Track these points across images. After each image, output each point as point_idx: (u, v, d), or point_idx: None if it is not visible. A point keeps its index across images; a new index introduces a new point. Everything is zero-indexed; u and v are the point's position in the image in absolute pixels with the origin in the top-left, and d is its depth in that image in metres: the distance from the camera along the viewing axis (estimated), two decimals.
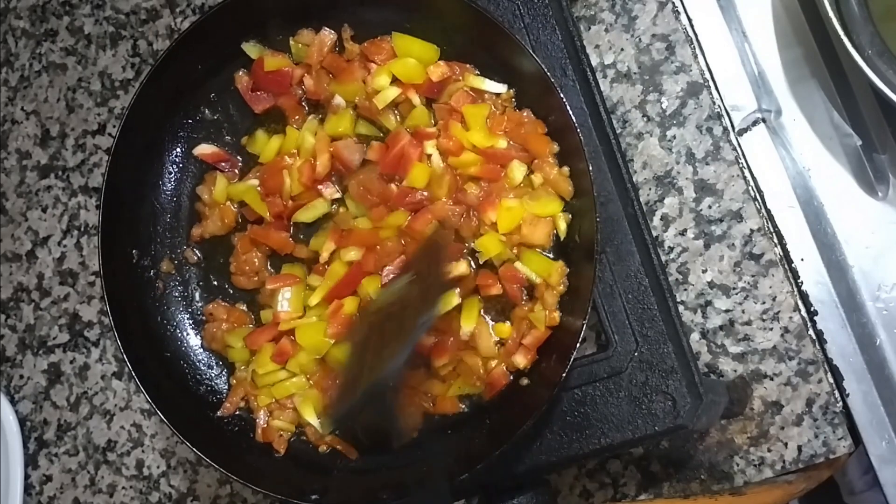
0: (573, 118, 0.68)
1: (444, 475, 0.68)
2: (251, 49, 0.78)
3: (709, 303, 0.79)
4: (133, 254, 0.78)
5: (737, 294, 0.78)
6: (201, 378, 0.78)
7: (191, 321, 0.79)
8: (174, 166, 0.80)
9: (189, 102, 0.79)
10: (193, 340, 0.79)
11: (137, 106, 0.75)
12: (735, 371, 0.78)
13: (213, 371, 0.78)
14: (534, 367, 0.71)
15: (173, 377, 0.77)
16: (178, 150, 0.80)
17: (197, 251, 0.80)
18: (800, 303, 0.78)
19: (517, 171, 0.72)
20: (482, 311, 0.73)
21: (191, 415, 0.75)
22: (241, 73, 0.79)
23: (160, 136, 0.79)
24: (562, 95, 0.69)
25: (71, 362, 0.95)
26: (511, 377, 0.72)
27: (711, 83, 0.81)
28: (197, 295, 0.80)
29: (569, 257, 0.72)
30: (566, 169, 0.72)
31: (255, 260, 0.77)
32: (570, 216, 0.72)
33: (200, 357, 0.78)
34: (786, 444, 0.77)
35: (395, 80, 0.75)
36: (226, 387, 0.78)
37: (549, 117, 0.72)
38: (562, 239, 0.72)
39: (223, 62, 0.79)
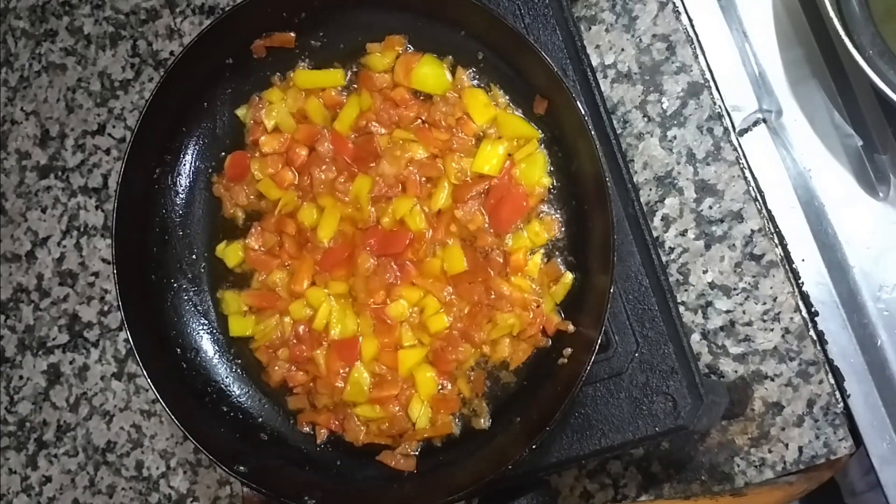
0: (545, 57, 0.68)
1: (474, 478, 0.67)
2: (243, 114, 0.79)
3: (709, 303, 0.79)
4: (150, 276, 0.78)
5: (737, 295, 0.78)
6: (234, 404, 0.77)
7: (207, 332, 0.79)
8: (186, 179, 0.80)
9: (199, 118, 0.79)
10: (211, 351, 0.79)
11: (147, 119, 0.74)
12: (736, 372, 0.78)
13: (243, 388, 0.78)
14: (568, 339, 0.70)
15: (189, 386, 0.76)
16: (189, 163, 0.80)
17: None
18: (801, 303, 0.78)
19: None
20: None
21: (204, 421, 0.75)
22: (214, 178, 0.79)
23: (171, 150, 0.79)
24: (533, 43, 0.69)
25: (70, 363, 0.95)
26: (549, 342, 0.71)
27: (712, 83, 0.81)
28: (212, 307, 0.79)
29: (574, 202, 0.72)
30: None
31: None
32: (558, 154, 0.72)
33: (224, 375, 0.78)
34: (787, 445, 0.77)
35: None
36: (244, 397, 0.77)
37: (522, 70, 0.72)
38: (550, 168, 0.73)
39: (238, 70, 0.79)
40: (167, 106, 0.76)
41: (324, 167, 0.76)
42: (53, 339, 0.96)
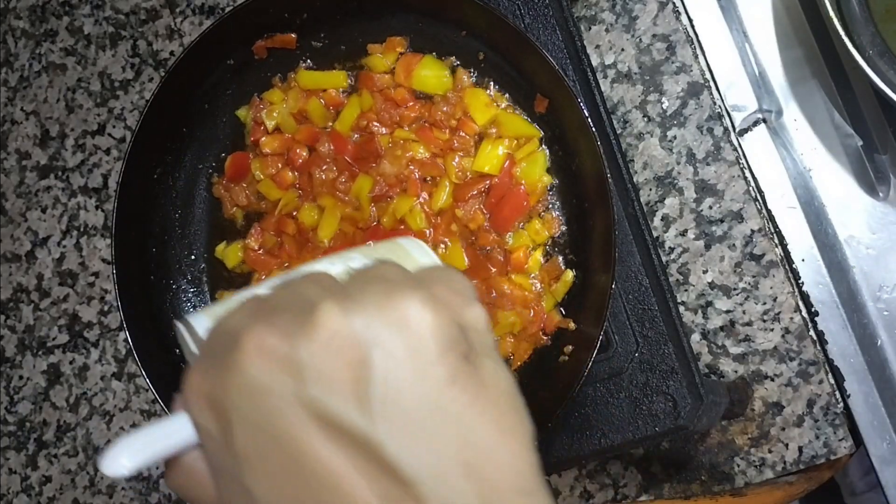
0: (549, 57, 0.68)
1: None
2: (243, 115, 0.79)
3: (709, 303, 0.79)
4: (150, 276, 0.77)
5: (737, 295, 0.78)
6: None
7: None
8: (186, 180, 0.80)
9: (199, 119, 0.79)
10: None
11: (147, 119, 0.74)
12: (736, 372, 0.78)
13: None
14: (568, 337, 0.71)
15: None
16: (190, 164, 0.80)
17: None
18: (800, 303, 0.78)
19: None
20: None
21: None
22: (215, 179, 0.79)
23: (171, 151, 0.79)
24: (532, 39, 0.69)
25: (70, 363, 0.95)
26: (549, 340, 0.72)
27: (712, 83, 0.81)
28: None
29: (575, 200, 0.72)
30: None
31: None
32: (558, 153, 0.72)
33: None
34: (786, 445, 0.77)
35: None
36: None
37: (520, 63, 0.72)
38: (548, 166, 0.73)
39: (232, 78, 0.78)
40: (167, 106, 0.76)
41: (324, 167, 0.76)
42: (53, 339, 0.96)
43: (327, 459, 0.34)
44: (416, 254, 0.44)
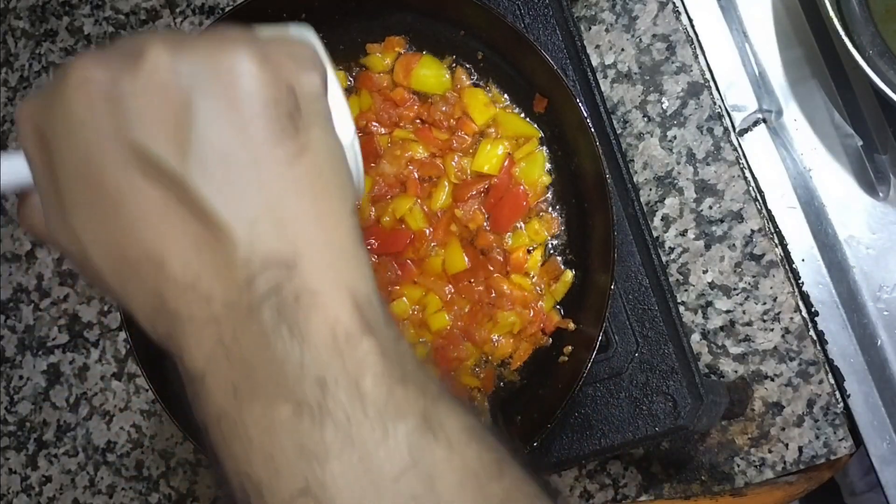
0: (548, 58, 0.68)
1: None
2: None
3: (709, 303, 0.79)
4: None
5: (737, 295, 0.78)
6: None
7: None
8: None
9: None
10: None
11: None
12: (736, 372, 0.78)
13: None
14: (568, 337, 0.71)
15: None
16: None
17: None
18: (800, 303, 0.78)
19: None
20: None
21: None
22: None
23: None
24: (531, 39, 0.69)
25: (70, 363, 0.95)
26: (549, 340, 0.72)
27: (712, 83, 0.81)
28: None
29: (574, 200, 0.72)
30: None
31: None
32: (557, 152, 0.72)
33: None
34: (786, 445, 0.77)
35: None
36: None
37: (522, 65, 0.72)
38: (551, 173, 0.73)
39: None
40: None
41: None
42: (53, 339, 0.96)
43: (140, 196, 0.35)
44: (291, 31, 0.43)
